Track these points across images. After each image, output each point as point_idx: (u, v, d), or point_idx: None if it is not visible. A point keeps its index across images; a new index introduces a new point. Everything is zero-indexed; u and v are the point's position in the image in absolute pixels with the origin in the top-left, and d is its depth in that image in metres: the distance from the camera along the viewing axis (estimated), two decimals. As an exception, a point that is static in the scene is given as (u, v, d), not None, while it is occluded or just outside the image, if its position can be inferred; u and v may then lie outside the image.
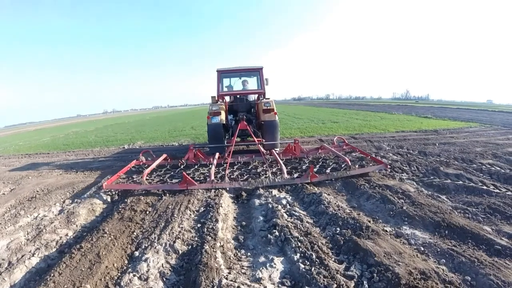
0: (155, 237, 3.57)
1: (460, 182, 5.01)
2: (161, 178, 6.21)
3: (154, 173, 6.52)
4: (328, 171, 5.79)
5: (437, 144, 8.85)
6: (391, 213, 3.93)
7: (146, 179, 5.64)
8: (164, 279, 2.86)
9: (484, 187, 4.72)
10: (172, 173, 6.59)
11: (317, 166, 6.34)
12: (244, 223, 4.03)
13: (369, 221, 3.69)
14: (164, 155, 7.07)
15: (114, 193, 5.48)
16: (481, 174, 5.49)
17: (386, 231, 3.48)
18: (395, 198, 4.31)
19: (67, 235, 4.02)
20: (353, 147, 7.42)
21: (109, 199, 5.26)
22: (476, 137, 10.04)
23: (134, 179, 6.13)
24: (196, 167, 6.91)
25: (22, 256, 3.44)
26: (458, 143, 8.84)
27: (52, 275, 2.88)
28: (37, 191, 6.01)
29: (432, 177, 5.38)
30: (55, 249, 3.67)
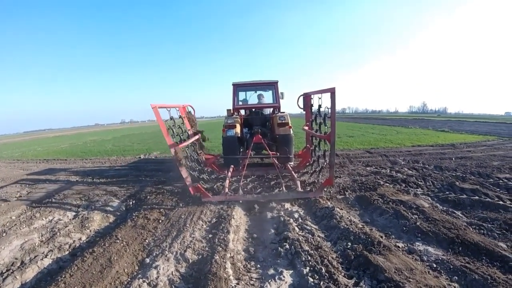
0: (166, 245, 3.62)
1: (476, 197, 4.88)
2: None
3: None
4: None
5: (453, 158, 8.66)
6: (404, 228, 3.85)
7: None
8: (173, 287, 2.88)
9: (501, 202, 4.58)
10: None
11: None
12: (255, 235, 4.02)
13: (381, 237, 3.63)
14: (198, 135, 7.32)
15: (128, 201, 5.59)
16: (498, 189, 5.34)
17: (398, 247, 3.41)
18: (409, 213, 4.23)
19: (80, 239, 4.13)
20: None
21: (123, 207, 5.37)
22: (493, 151, 9.79)
23: None
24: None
25: (35, 256, 3.55)
26: (475, 157, 8.63)
27: (63, 276, 2.97)
28: (53, 195, 6.19)
29: (447, 192, 5.26)
30: (67, 252, 3.77)
